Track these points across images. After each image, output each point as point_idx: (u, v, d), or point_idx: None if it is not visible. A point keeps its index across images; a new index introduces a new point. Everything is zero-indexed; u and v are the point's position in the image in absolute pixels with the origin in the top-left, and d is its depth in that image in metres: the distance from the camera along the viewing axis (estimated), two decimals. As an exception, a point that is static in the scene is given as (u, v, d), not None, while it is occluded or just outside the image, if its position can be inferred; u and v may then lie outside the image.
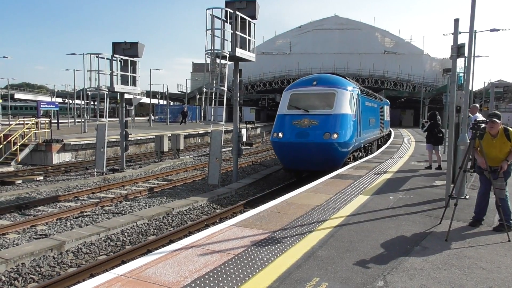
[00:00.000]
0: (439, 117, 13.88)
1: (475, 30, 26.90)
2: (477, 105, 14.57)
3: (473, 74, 29.02)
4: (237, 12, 13.55)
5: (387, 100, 35.14)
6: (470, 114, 11.42)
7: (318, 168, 14.07)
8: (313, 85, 14.91)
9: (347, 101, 14.44)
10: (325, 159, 13.80)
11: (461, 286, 4.31)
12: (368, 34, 68.00)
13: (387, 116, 31.00)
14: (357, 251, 5.31)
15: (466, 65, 8.81)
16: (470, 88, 11.44)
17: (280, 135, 14.06)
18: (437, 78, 65.41)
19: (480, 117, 11.18)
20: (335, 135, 13.42)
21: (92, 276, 6.82)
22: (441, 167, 13.20)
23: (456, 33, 8.12)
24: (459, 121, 9.19)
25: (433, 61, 68.25)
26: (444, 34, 65.41)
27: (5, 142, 21.77)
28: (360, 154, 17.39)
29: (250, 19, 14.38)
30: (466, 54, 8.27)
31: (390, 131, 36.42)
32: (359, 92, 16.65)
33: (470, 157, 6.85)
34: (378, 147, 23.67)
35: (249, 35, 14.58)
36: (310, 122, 13.78)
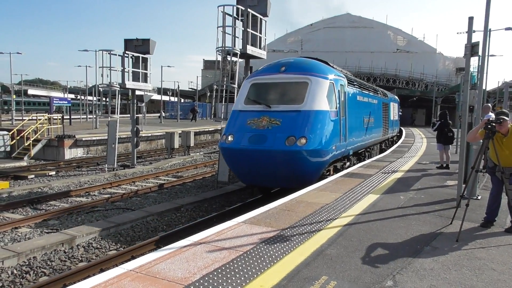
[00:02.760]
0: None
1: (490, 29, 26.52)
2: (490, 104, 14.38)
3: (486, 73, 28.65)
4: (249, 10, 13.52)
5: (395, 96, 30.17)
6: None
7: (283, 184, 11.14)
8: (280, 71, 11.32)
9: (325, 93, 10.87)
10: (288, 174, 10.43)
11: (471, 287, 4.27)
12: (380, 32, 67.53)
13: (394, 115, 26.29)
14: (366, 250, 5.29)
15: (480, 64, 8.71)
16: (483, 87, 11.30)
17: (230, 138, 10.64)
18: (450, 77, 64.77)
19: (492, 116, 11.04)
20: (303, 140, 9.90)
21: (102, 270, 6.89)
22: (448, 167, 13.11)
23: (470, 31, 8.02)
24: (472, 121, 9.09)
25: (446, 60, 67.57)
26: (458, 33, 64.71)
27: (18, 138, 22.06)
28: (348, 163, 13.65)
29: (261, 17, 14.35)
30: (480, 53, 8.18)
31: (400, 130, 36.09)
32: (346, 83, 12.84)
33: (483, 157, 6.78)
34: (382, 151, 20.77)
35: (260, 33, 14.54)
36: (270, 121, 10.40)
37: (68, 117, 37.56)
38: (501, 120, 6.29)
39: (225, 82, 13.58)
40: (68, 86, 70.58)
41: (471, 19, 8.04)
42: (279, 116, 10.43)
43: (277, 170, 10.34)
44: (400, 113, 30.78)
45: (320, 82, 10.96)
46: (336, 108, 11.33)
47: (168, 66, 58.94)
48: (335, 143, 11.09)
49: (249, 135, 10.34)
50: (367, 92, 16.72)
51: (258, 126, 10.43)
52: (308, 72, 11.16)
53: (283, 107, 10.66)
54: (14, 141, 22.12)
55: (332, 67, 12.83)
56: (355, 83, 14.71)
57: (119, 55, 17.68)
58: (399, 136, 30.65)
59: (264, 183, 11.36)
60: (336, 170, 12.34)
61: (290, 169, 10.22)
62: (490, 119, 6.45)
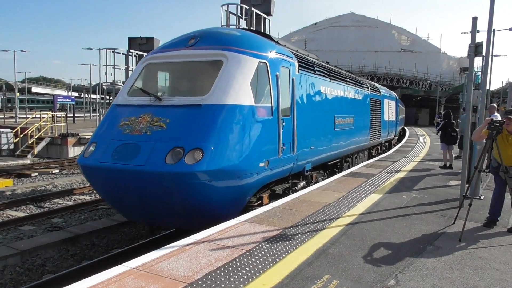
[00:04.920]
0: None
1: (494, 29, 26.47)
2: (495, 104, 14.34)
3: (490, 73, 28.65)
4: (253, 8, 13.55)
5: (392, 93, 25.79)
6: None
7: (177, 224, 7.78)
8: (188, 45, 7.89)
9: (247, 78, 7.39)
10: (177, 209, 6.93)
11: (474, 287, 4.27)
12: (384, 31, 67.52)
13: (390, 115, 22.19)
14: (369, 249, 5.29)
15: (483, 64, 8.69)
16: (487, 87, 11.30)
17: (91, 149, 7.13)
18: (454, 77, 64.67)
19: (498, 117, 11.03)
20: (197, 154, 6.37)
21: (105, 268, 6.91)
22: (452, 167, 13.10)
23: (474, 31, 8.01)
24: (476, 121, 9.08)
25: (450, 60, 67.48)
26: (462, 33, 64.52)
27: (21, 135, 22.15)
28: (304, 182, 9.93)
29: (265, 15, 14.37)
30: (484, 53, 8.16)
31: (403, 130, 35.96)
32: (297, 66, 9.20)
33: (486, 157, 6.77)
34: (372, 157, 17.80)
35: (264, 31, 14.55)
36: (152, 122, 6.96)
37: (72, 115, 37.68)
38: (505, 119, 6.30)
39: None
40: (72, 84, 71.05)
41: (475, 19, 8.04)
42: (168, 114, 7.02)
43: (158, 203, 6.84)
44: (398, 112, 26.45)
45: (241, 61, 7.41)
46: (270, 103, 7.75)
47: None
48: (267, 157, 7.54)
49: (115, 145, 6.84)
50: (340, 83, 12.76)
51: (132, 129, 6.96)
52: (226, 46, 7.65)
53: (179, 99, 7.33)
54: (18, 139, 22.21)
55: (276, 42, 9.21)
56: (316, 68, 10.67)
57: (123, 54, 17.78)
58: (400, 139, 28.81)
59: (148, 221, 7.78)
60: (277, 197, 8.51)
61: (177, 202, 6.74)
62: (494, 119, 6.45)
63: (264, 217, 6.65)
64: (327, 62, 13.36)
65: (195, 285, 4.04)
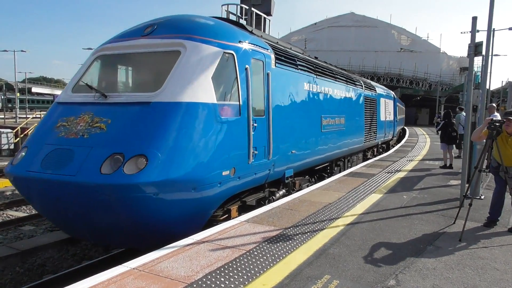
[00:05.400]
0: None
1: (494, 28, 26.47)
2: (494, 104, 14.36)
3: (490, 73, 28.66)
4: (252, 9, 13.53)
5: (390, 92, 24.67)
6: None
7: (124, 244, 6.98)
8: (144, 34, 6.97)
9: (209, 71, 6.43)
10: (120, 227, 5.96)
11: (474, 287, 4.26)
12: (384, 31, 67.55)
13: (387, 115, 21.04)
14: (369, 249, 5.29)
15: (483, 63, 8.69)
16: (487, 87, 11.31)
17: (22, 154, 6.17)
18: (454, 77, 64.69)
19: (498, 116, 11.03)
20: (141, 162, 5.43)
21: (105, 269, 6.90)
22: (452, 166, 13.11)
23: (474, 31, 8.01)
24: (476, 120, 9.08)
25: (450, 59, 67.51)
26: (461, 32, 64.57)
27: (22, 135, 22.12)
28: (284, 191, 8.93)
29: (265, 16, 14.35)
30: (483, 53, 8.16)
31: (403, 131, 35.92)
32: (273, 59, 8.18)
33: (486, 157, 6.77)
34: (367, 159, 16.61)
35: (264, 32, 14.54)
36: (92, 123, 5.98)
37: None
38: (505, 119, 6.30)
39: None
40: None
41: (474, 19, 8.04)
42: (110, 114, 6.04)
43: (98, 220, 5.84)
44: (396, 112, 25.02)
45: (202, 51, 6.48)
46: (238, 101, 6.80)
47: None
48: (233, 164, 6.61)
49: (47, 150, 5.84)
50: (329, 80, 11.67)
51: (68, 132, 5.96)
52: (185, 34, 6.71)
53: (127, 96, 6.40)
54: (18, 139, 22.19)
55: (250, 32, 8.24)
56: (299, 63, 9.61)
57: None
58: (400, 139, 28.37)
59: (94, 239, 6.84)
60: (250, 208, 7.48)
61: (118, 220, 5.74)
62: (494, 119, 6.45)
63: (264, 217, 6.65)
64: (317, 58, 12.50)
65: (195, 285, 4.04)
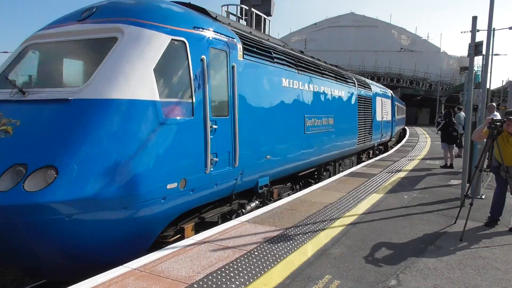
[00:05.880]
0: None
1: (494, 28, 26.47)
2: (494, 104, 14.36)
3: (490, 72, 28.69)
4: (252, 9, 13.54)
5: (387, 90, 23.09)
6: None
7: (42, 274, 5.71)
8: (80, 19, 5.89)
9: (152, 61, 5.39)
10: (29, 255, 4.83)
11: (475, 287, 4.26)
12: (384, 31, 67.61)
13: (385, 115, 20.06)
14: (370, 249, 5.28)
15: (483, 63, 8.69)
16: (487, 86, 11.31)
17: None
18: (454, 76, 64.73)
19: (498, 116, 11.04)
20: (50, 175, 4.37)
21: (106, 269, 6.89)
22: (452, 166, 13.10)
23: (474, 30, 8.01)
24: (476, 120, 9.08)
25: (450, 59, 67.57)
26: (462, 32, 64.58)
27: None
28: (257, 202, 8.00)
29: (265, 16, 14.36)
30: (484, 52, 8.16)
31: (404, 130, 35.86)
32: (240, 50, 7.11)
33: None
34: (362, 162, 15.54)
35: (264, 32, 14.55)
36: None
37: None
38: (506, 119, 6.30)
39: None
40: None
41: (475, 18, 8.04)
42: (21, 114, 5.00)
43: (3, 246, 4.73)
44: (394, 111, 23.78)
45: (142, 37, 5.39)
46: (190, 98, 5.74)
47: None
48: (183, 174, 5.61)
49: None
50: (314, 76, 10.52)
51: None
52: (124, 17, 5.64)
53: (48, 93, 5.23)
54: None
55: (214, 18, 7.16)
56: (275, 55, 8.51)
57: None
58: (400, 140, 27.73)
59: (13, 266, 5.99)
60: (212, 224, 6.40)
61: (24, 246, 4.69)
62: (494, 118, 6.45)
63: (265, 217, 6.65)
64: (302, 52, 11.59)
65: (196, 286, 4.04)
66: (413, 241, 5.68)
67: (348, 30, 67.57)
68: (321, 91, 10.90)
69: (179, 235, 5.96)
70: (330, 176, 11.89)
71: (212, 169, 6.12)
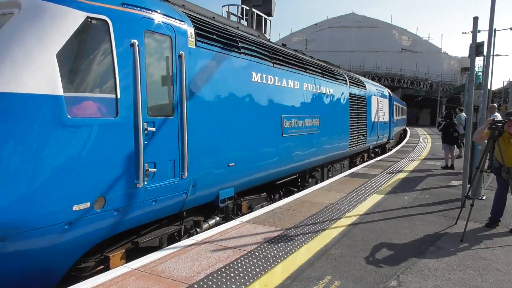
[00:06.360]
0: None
1: (495, 29, 26.49)
2: (495, 104, 14.34)
3: (491, 73, 28.66)
4: (253, 9, 13.54)
5: (385, 89, 21.66)
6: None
7: None
8: None
9: (55, 43, 4.16)
10: None
11: (476, 288, 4.26)
12: (385, 31, 67.53)
13: (382, 115, 18.79)
14: (371, 250, 5.28)
15: (485, 63, 8.68)
16: (488, 87, 11.30)
17: None
18: (455, 77, 64.67)
19: (498, 117, 11.03)
20: None
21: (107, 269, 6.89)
22: (453, 167, 13.10)
23: (475, 31, 8.00)
24: (477, 121, 9.07)
25: (451, 60, 67.51)
26: (463, 32, 64.29)
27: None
28: (217, 218, 6.85)
29: (266, 16, 14.36)
30: (485, 53, 8.15)
31: (404, 131, 35.78)
32: (192, 35, 5.83)
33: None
34: (355, 166, 14.38)
35: (265, 32, 14.54)
36: None
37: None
38: (507, 120, 6.29)
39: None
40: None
41: (476, 19, 8.03)
42: None
43: None
44: (392, 112, 22.54)
45: (44, 13, 4.27)
46: (114, 93, 4.64)
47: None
48: (101, 191, 4.49)
49: None
50: (295, 70, 9.20)
51: None
52: None
53: None
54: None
55: None
56: (242, 45, 7.21)
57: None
58: (400, 141, 27.19)
59: None
60: (145, 251, 5.23)
61: None
62: (495, 119, 6.44)
63: (265, 217, 6.65)
64: (285, 45, 10.69)
65: (196, 286, 4.04)
66: (414, 242, 5.67)
67: (349, 31, 67.54)
68: (304, 89, 9.67)
69: (103, 266, 4.86)
70: (317, 183, 10.80)
71: (147, 182, 4.93)
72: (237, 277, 4.29)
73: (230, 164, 6.67)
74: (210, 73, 6.23)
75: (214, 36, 6.43)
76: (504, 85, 51.64)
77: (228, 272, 4.42)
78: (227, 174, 6.64)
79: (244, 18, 13.83)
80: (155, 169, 5.06)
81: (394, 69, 63.64)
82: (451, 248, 5.47)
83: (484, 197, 8.52)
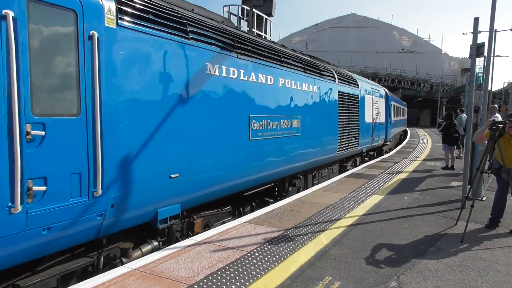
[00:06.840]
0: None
1: (495, 29, 26.46)
2: (496, 105, 14.34)
3: (492, 74, 28.62)
4: (254, 10, 13.55)
5: (381, 89, 20.40)
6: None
7: None
8: None
9: None
10: None
11: (476, 289, 4.26)
12: (385, 32, 67.49)
13: (377, 116, 17.46)
14: (371, 251, 5.28)
15: (485, 64, 8.68)
16: (489, 88, 11.30)
17: None
18: (455, 78, 64.64)
19: (499, 117, 11.03)
20: None
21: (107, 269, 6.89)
22: (453, 167, 13.09)
23: (475, 32, 8.00)
24: (478, 121, 9.06)
25: (451, 60, 67.47)
26: (463, 33, 64.43)
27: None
28: (154, 244, 5.49)
29: (266, 17, 14.37)
30: (485, 54, 8.15)
31: (405, 132, 35.70)
32: (115, 11, 4.51)
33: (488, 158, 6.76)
34: (345, 171, 13.07)
35: (265, 33, 14.56)
36: None
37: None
38: (507, 121, 6.29)
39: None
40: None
41: (476, 20, 8.02)
42: None
43: None
44: (389, 112, 21.20)
45: None
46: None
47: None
48: None
49: None
50: (265, 62, 7.76)
51: None
52: None
53: None
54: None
55: None
56: (190, 29, 5.80)
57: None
58: (400, 142, 26.60)
59: None
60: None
61: None
62: (496, 120, 6.44)
63: (265, 218, 6.65)
64: (260, 36, 9.37)
65: (196, 286, 4.04)
66: (414, 243, 5.67)
67: (349, 31, 67.50)
68: (280, 85, 8.29)
69: None
70: (299, 191, 9.64)
71: (31, 204, 3.76)
72: (237, 278, 4.29)
73: (173, 176, 5.40)
74: (142, 61, 4.93)
75: (150, 16, 5.11)
76: (505, 86, 51.69)
77: (228, 272, 4.42)
78: (168, 187, 5.39)
79: (245, 18, 13.85)
80: (45, 187, 3.85)
81: (394, 70, 63.60)
82: (451, 249, 5.47)
83: (484, 198, 8.52)
